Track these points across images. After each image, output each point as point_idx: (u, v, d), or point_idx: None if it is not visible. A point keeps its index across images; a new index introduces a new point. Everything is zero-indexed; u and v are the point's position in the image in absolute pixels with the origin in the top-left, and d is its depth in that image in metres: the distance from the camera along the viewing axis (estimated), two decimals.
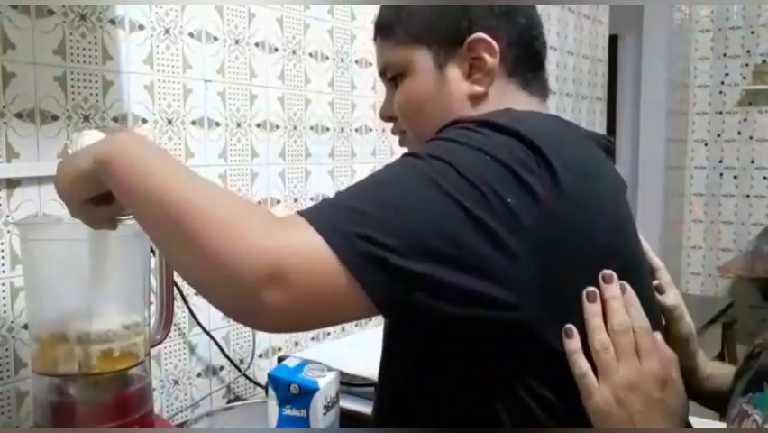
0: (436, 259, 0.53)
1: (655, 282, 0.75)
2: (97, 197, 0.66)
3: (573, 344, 0.60)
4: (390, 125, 0.80)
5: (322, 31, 1.44)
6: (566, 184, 0.58)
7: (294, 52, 1.38)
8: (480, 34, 0.70)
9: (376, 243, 0.52)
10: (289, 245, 0.53)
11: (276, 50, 1.34)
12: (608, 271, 0.62)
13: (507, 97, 0.72)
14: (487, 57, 0.71)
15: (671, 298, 0.75)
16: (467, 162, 0.56)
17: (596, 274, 0.62)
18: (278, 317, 0.54)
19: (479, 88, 0.71)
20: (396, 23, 0.75)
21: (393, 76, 0.76)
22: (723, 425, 0.68)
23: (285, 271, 0.52)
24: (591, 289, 0.61)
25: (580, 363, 0.60)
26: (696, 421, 0.78)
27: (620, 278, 0.63)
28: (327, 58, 1.46)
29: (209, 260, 0.53)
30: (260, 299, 0.52)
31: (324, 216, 0.54)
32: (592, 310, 0.61)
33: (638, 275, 0.67)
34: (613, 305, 0.61)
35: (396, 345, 0.71)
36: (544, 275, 0.57)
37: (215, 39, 1.23)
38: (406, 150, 0.75)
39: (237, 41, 1.26)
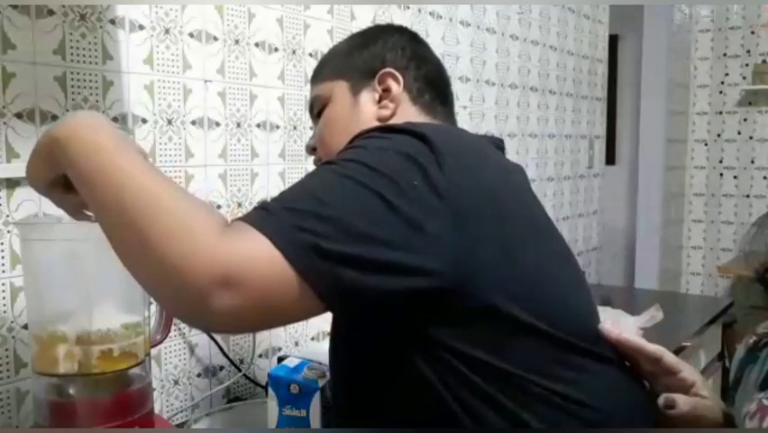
0: (364, 240, 0.58)
1: (666, 368, 0.73)
2: (69, 183, 0.67)
3: None
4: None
5: (322, 31, 1.44)
6: (452, 164, 0.64)
7: (294, 52, 1.38)
8: (389, 69, 0.86)
9: (313, 233, 0.57)
10: (239, 250, 0.55)
11: (276, 50, 1.34)
12: None
13: (412, 120, 0.81)
14: (393, 85, 0.85)
15: (688, 373, 0.73)
16: (374, 159, 0.63)
17: (508, 235, 0.66)
18: (228, 319, 0.56)
19: (385, 112, 0.85)
20: (324, 66, 0.92)
21: (318, 110, 0.89)
22: None
23: (235, 274, 0.54)
24: None
25: None
26: None
27: (529, 239, 0.67)
28: None
29: (159, 262, 0.55)
30: (209, 303, 0.53)
31: (266, 221, 0.57)
32: None
33: (547, 237, 0.73)
34: None
35: (339, 333, 0.75)
36: (460, 242, 0.61)
37: (215, 39, 1.23)
38: None
39: (237, 41, 1.26)
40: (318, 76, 0.92)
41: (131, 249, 0.57)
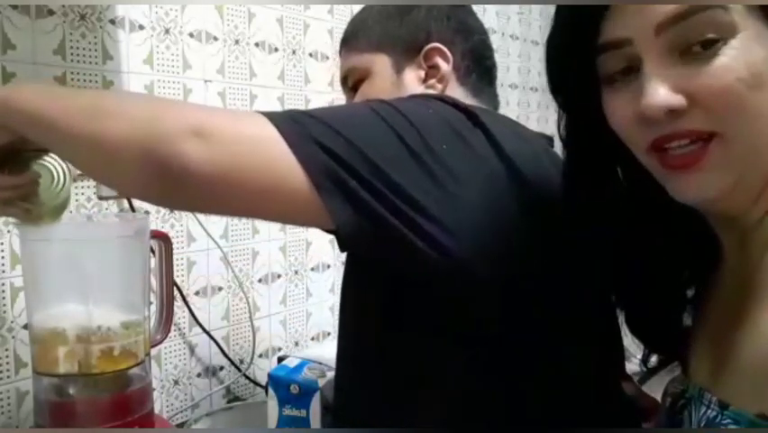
0: (369, 165, 0.53)
1: None
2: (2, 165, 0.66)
3: None
4: None
5: (322, 31, 1.44)
6: (501, 141, 0.60)
7: (294, 52, 1.38)
8: (437, 44, 0.78)
9: (317, 131, 0.53)
10: (222, 111, 0.55)
11: (276, 50, 1.34)
12: None
13: None
14: (441, 64, 0.78)
15: None
16: (410, 108, 0.58)
17: (535, 226, 0.60)
18: (196, 175, 0.50)
19: (432, 93, 0.77)
20: (360, 32, 0.82)
21: (354, 83, 0.81)
22: None
23: (211, 126, 0.50)
24: None
25: None
26: None
27: (552, 249, 0.60)
28: (327, 58, 1.46)
29: (131, 121, 0.51)
30: (178, 148, 0.50)
31: (265, 112, 0.55)
32: None
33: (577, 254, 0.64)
34: None
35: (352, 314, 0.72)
36: (478, 221, 0.56)
37: (215, 39, 1.23)
38: None
39: (237, 41, 1.26)
40: (354, 44, 0.83)
41: (101, 123, 0.53)
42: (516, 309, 0.60)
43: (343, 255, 0.75)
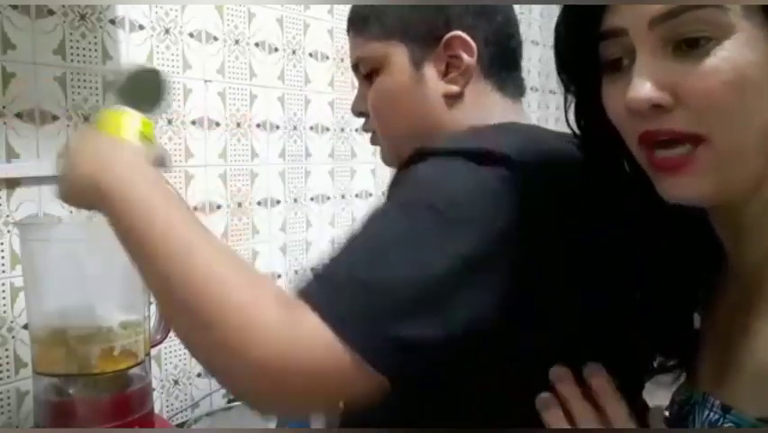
0: (430, 317, 0.51)
1: None
2: None
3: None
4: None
5: (322, 31, 1.44)
6: (538, 194, 0.55)
7: (294, 52, 1.38)
8: (458, 33, 0.70)
9: (380, 319, 0.50)
10: (298, 342, 0.50)
11: (276, 50, 1.34)
12: (557, 370, 0.56)
13: (483, 98, 0.71)
14: (464, 56, 0.70)
15: None
16: (455, 207, 0.54)
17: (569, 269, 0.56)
18: (278, 407, 0.59)
19: (455, 88, 0.71)
20: (371, 16, 0.74)
21: (367, 72, 0.75)
22: None
23: (289, 373, 0.50)
24: (542, 397, 0.56)
25: None
26: None
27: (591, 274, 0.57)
28: (327, 58, 1.46)
29: (216, 346, 0.52)
30: (258, 387, 0.53)
31: (327, 300, 0.51)
32: (553, 419, 0.55)
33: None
34: (574, 406, 0.55)
35: None
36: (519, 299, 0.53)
37: (215, 39, 1.23)
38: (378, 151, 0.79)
39: (237, 41, 1.26)
40: (366, 29, 0.74)
41: (189, 329, 0.55)
42: (527, 324, 0.57)
43: None
